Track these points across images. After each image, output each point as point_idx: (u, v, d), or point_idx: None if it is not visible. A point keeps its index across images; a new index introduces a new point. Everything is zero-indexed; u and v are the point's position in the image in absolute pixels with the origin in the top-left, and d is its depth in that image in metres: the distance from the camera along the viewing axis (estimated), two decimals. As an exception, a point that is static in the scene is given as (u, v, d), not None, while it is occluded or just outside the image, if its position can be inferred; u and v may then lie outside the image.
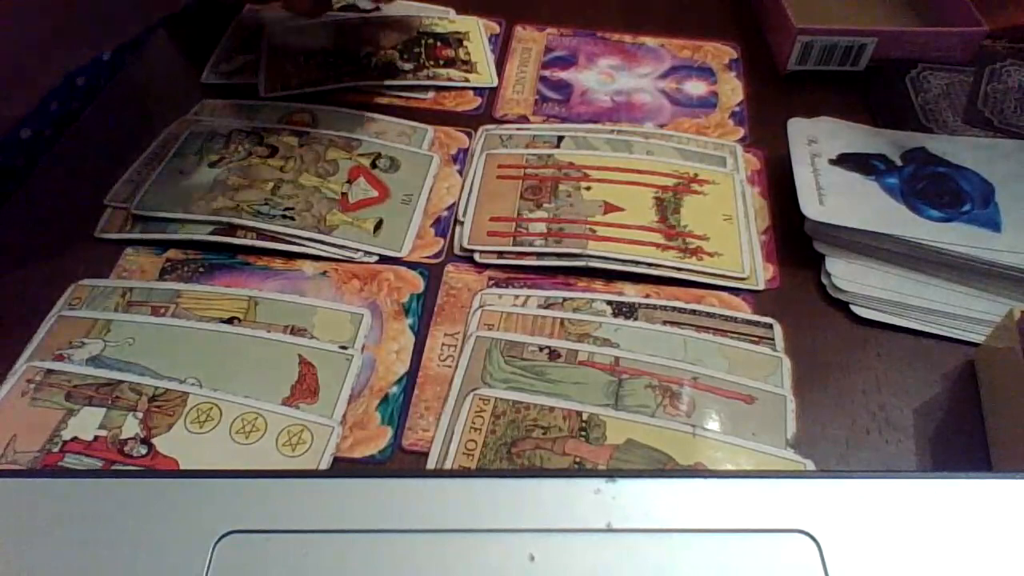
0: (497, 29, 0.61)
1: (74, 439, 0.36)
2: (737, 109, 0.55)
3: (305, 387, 0.38)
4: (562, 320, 0.42)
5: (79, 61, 0.42)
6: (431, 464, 0.36)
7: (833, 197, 0.45)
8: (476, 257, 0.45)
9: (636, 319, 0.42)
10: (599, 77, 0.57)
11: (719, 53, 0.60)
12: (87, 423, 0.36)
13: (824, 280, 0.44)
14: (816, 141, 0.49)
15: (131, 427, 0.36)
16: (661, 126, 0.54)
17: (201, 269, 0.44)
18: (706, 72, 0.58)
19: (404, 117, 0.53)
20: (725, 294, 0.44)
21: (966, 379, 0.40)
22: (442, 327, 0.42)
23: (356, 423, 0.38)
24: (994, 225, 0.44)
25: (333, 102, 0.54)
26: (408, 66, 0.56)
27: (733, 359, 0.40)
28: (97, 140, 0.52)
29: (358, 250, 0.45)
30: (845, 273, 0.43)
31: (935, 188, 0.46)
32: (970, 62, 0.57)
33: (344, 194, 0.47)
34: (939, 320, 0.42)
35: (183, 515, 0.25)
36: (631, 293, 0.44)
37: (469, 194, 0.48)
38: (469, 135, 0.53)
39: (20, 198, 0.48)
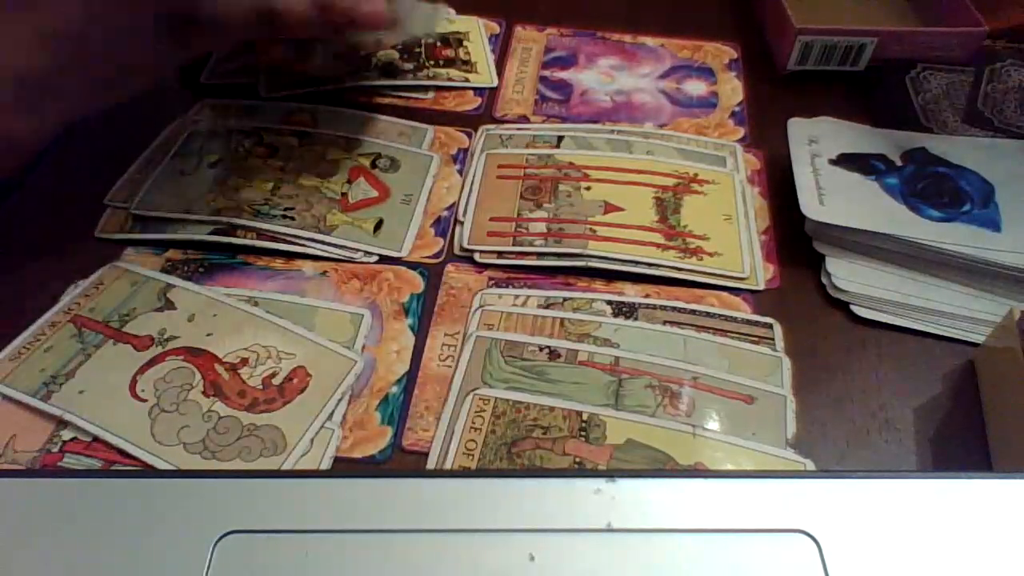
0: (497, 29, 0.61)
1: (74, 439, 0.36)
2: (737, 109, 0.55)
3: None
4: (562, 320, 0.42)
5: (68, 118, 0.41)
6: (431, 464, 0.36)
7: (833, 197, 0.45)
8: (476, 257, 0.45)
9: (636, 319, 0.42)
10: (599, 77, 0.57)
11: (719, 53, 0.60)
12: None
13: (824, 280, 0.44)
14: (816, 141, 0.49)
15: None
16: (661, 126, 0.54)
17: (201, 269, 0.44)
18: (706, 72, 0.58)
19: (404, 117, 0.53)
20: (725, 294, 0.44)
21: (966, 379, 0.40)
22: (442, 327, 0.42)
23: (356, 423, 0.38)
24: (994, 225, 0.44)
25: (333, 102, 0.54)
26: (408, 66, 0.56)
27: (733, 359, 0.40)
28: (97, 140, 0.52)
29: (358, 250, 0.45)
30: (845, 273, 0.43)
31: (935, 188, 0.46)
32: (970, 62, 0.57)
33: (344, 194, 0.47)
34: (939, 320, 0.42)
35: (183, 515, 0.25)
36: (631, 293, 0.44)
37: (469, 194, 0.48)
38: (469, 135, 0.53)
39: (20, 198, 0.48)
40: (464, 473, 0.35)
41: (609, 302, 0.43)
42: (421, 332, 0.42)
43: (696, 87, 0.57)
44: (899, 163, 0.48)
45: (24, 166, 0.44)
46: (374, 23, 0.42)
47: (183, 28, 0.39)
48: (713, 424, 0.37)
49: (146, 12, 0.38)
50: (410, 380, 0.39)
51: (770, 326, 0.42)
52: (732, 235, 0.46)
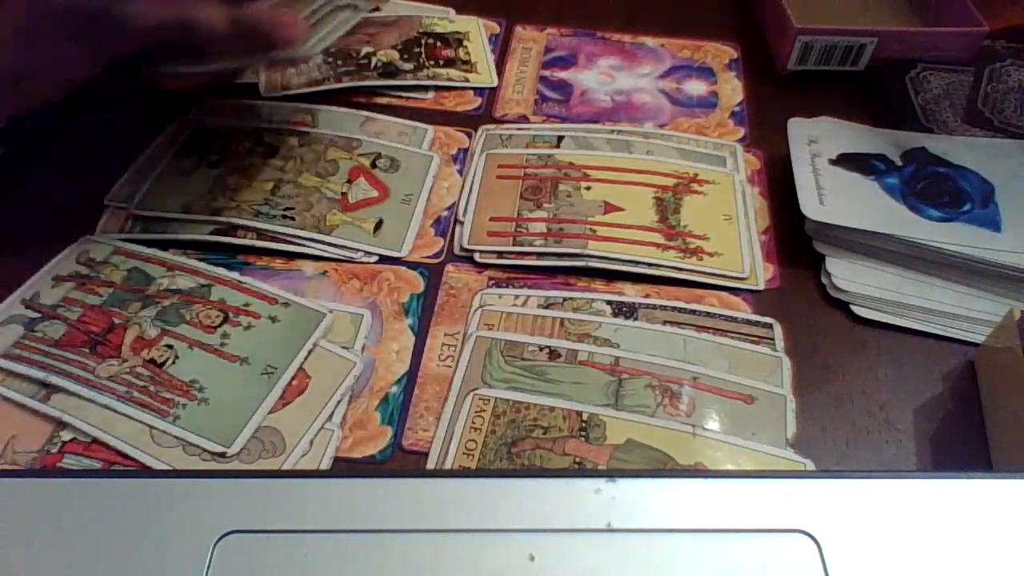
0: (497, 29, 0.61)
1: (73, 440, 0.36)
2: (737, 109, 0.55)
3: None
4: (562, 320, 0.42)
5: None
6: (431, 464, 0.36)
7: (833, 197, 0.45)
8: (476, 257, 0.45)
9: (636, 319, 0.42)
10: (599, 77, 0.57)
11: (719, 53, 0.60)
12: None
13: (824, 280, 0.44)
14: (816, 141, 0.49)
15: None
16: (661, 126, 0.54)
17: (201, 269, 0.44)
18: (706, 72, 0.58)
19: (404, 117, 0.53)
20: (725, 294, 0.44)
21: (966, 379, 0.40)
22: (442, 327, 0.42)
23: (356, 423, 0.38)
24: (994, 225, 0.44)
25: (333, 102, 0.54)
26: (408, 66, 0.56)
27: (733, 359, 0.40)
28: (97, 140, 0.52)
29: (358, 250, 0.45)
30: (845, 273, 0.43)
31: (935, 188, 0.46)
32: (970, 62, 0.57)
33: (344, 194, 0.47)
34: (939, 320, 0.42)
35: (183, 515, 0.25)
36: (631, 293, 0.44)
37: (469, 194, 0.48)
38: (469, 135, 0.53)
39: (20, 198, 0.48)
40: (464, 473, 0.35)
41: (609, 302, 0.43)
42: (421, 332, 0.42)
43: (696, 87, 0.57)
44: (899, 163, 0.48)
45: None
46: (291, 42, 0.40)
47: (92, 32, 0.38)
48: (713, 424, 0.37)
49: (47, 12, 0.37)
50: (410, 380, 0.39)
51: (770, 326, 0.42)
52: (732, 235, 0.46)
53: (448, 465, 0.36)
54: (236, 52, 0.42)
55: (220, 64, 0.42)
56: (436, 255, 0.45)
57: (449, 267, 0.45)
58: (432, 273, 0.44)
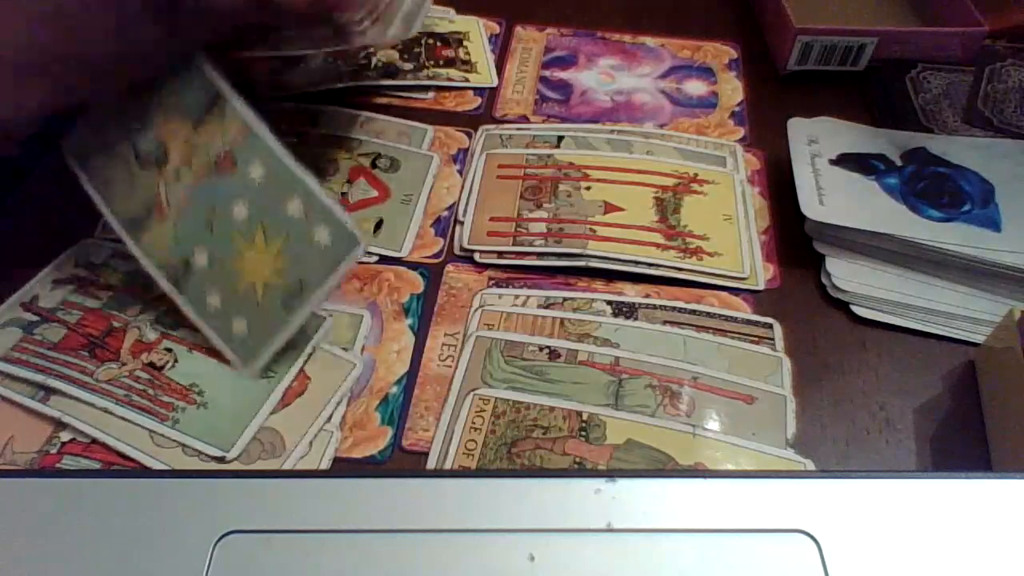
0: (497, 29, 0.61)
1: (72, 440, 0.36)
2: (737, 109, 0.55)
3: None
4: (562, 320, 0.42)
5: (52, 105, 0.38)
6: (431, 464, 0.36)
7: (833, 197, 0.45)
8: (476, 257, 0.45)
9: (636, 319, 0.42)
10: (599, 77, 0.57)
11: (719, 53, 0.60)
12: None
13: (824, 280, 0.44)
14: (816, 141, 0.49)
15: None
16: (661, 126, 0.54)
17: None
18: (706, 72, 0.58)
19: (404, 117, 0.53)
20: (725, 294, 0.44)
21: (966, 379, 0.40)
22: (442, 327, 0.42)
23: (356, 423, 0.38)
24: (994, 225, 0.44)
25: (333, 102, 0.54)
26: (408, 66, 0.56)
27: (733, 359, 0.40)
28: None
29: (358, 250, 0.45)
30: (845, 273, 0.43)
31: (935, 188, 0.46)
32: (970, 62, 0.57)
33: (344, 194, 0.47)
34: (939, 320, 0.42)
35: (183, 515, 0.25)
36: (631, 293, 0.44)
37: (469, 194, 0.48)
38: (469, 135, 0.53)
39: (20, 198, 0.48)
40: (464, 473, 0.35)
41: (609, 302, 0.43)
42: (421, 332, 0.42)
43: (696, 87, 0.57)
44: (899, 163, 0.48)
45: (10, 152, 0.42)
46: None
47: (169, 11, 0.38)
48: (713, 424, 0.37)
49: None
50: (410, 380, 0.39)
51: (770, 326, 0.42)
52: (732, 235, 0.46)
53: (448, 465, 0.36)
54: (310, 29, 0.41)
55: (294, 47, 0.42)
56: (436, 255, 0.45)
57: (449, 267, 0.45)
58: (432, 273, 0.44)
